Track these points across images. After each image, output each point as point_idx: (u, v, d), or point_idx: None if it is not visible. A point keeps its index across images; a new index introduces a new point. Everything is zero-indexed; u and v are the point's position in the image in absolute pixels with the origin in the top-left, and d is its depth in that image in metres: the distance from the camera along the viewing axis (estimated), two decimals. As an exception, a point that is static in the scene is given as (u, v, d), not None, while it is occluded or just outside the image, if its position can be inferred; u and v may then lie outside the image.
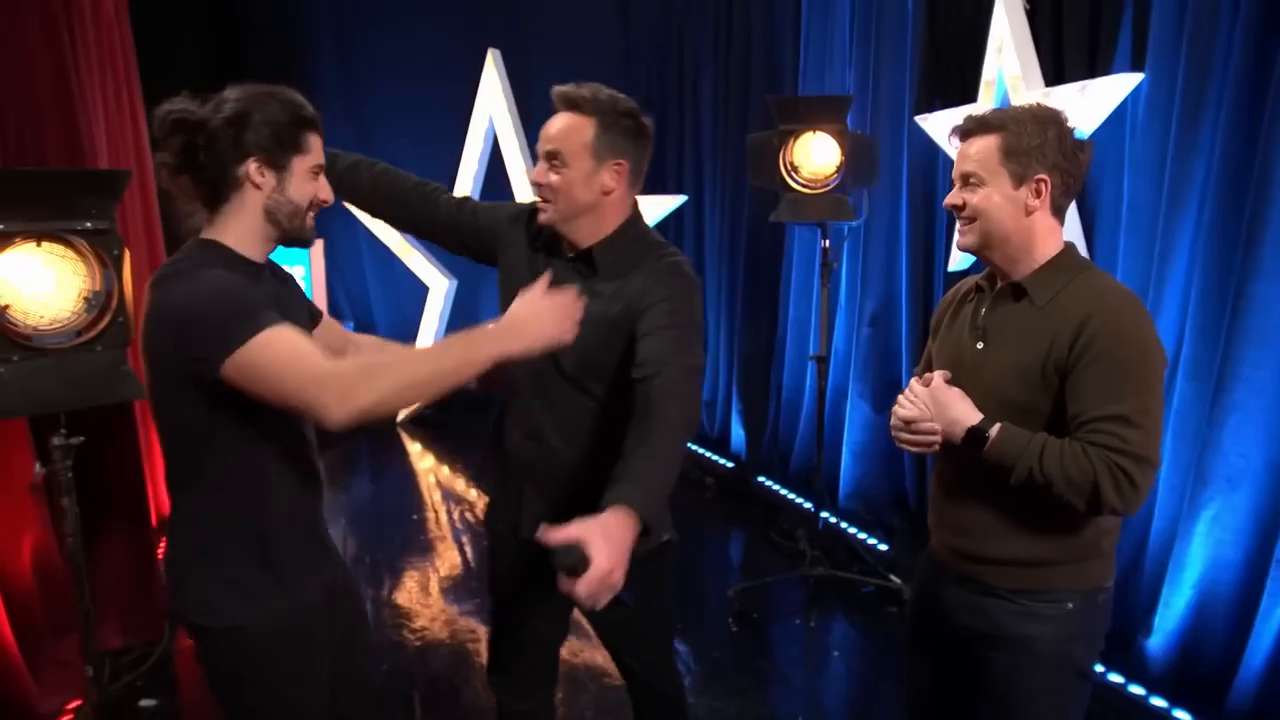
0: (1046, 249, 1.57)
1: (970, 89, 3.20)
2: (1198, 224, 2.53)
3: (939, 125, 3.32)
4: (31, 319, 2.04)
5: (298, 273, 5.89)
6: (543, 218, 1.72)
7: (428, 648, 3.30)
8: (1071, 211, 2.90)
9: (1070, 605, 1.56)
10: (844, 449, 4.08)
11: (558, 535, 1.29)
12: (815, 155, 3.43)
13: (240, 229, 1.49)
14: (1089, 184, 2.96)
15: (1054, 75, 3.00)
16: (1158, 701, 2.55)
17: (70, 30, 3.14)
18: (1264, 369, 2.33)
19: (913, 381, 1.65)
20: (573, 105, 1.71)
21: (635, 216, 1.78)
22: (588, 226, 1.72)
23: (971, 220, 1.58)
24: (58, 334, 2.07)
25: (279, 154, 1.46)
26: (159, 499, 3.89)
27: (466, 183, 5.83)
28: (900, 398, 1.63)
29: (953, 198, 1.61)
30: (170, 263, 1.48)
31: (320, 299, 5.97)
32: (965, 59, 3.31)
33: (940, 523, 1.71)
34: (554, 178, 1.68)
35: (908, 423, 1.60)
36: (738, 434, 5.04)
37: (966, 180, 1.58)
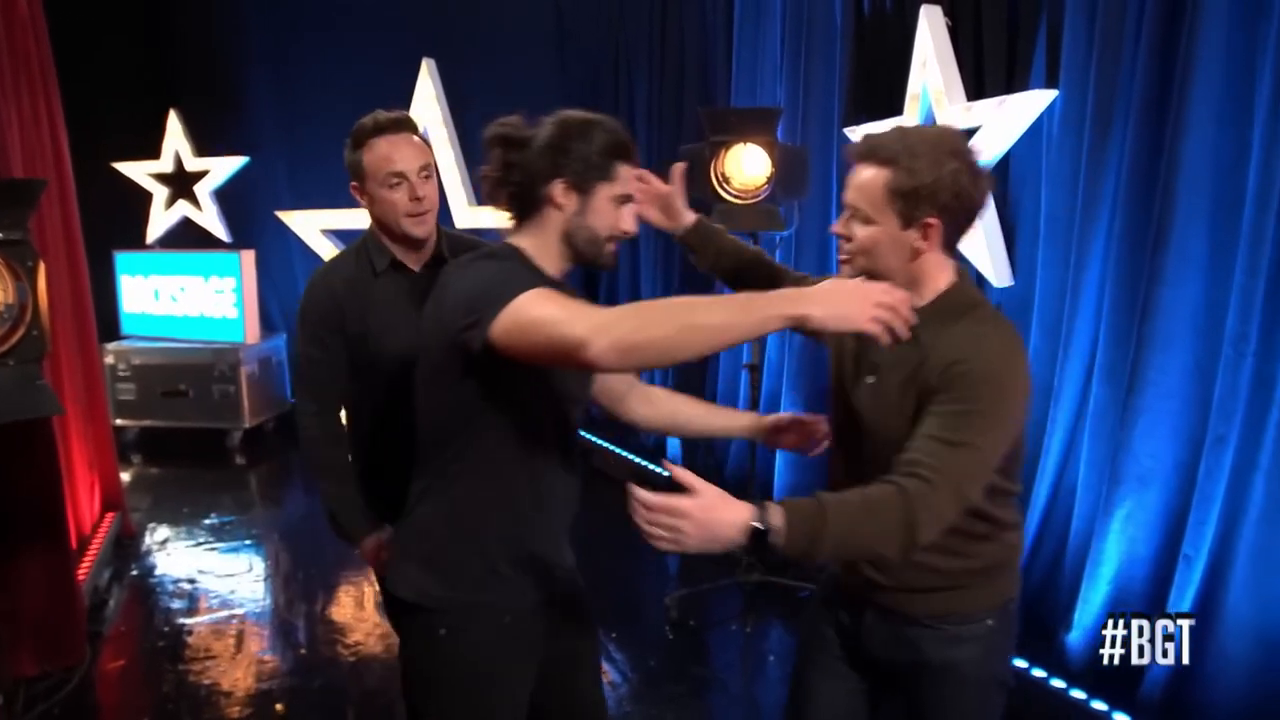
0: (936, 284, 1.50)
1: (897, 102, 3.29)
2: (1109, 234, 2.64)
3: (867, 138, 3.40)
4: (-60, 332, 1.97)
5: (228, 284, 5.77)
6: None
7: (362, 663, 3.25)
8: (993, 224, 3.00)
9: (990, 623, 1.56)
10: (777, 456, 4.13)
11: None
12: (746, 166, 3.48)
13: (538, 244, 1.55)
14: (1010, 197, 3.07)
15: (975, 90, 3.10)
16: (1077, 694, 2.64)
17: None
18: (1170, 373, 2.43)
19: (675, 502, 1.27)
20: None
21: None
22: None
23: (856, 253, 1.50)
24: (-32, 348, 2.00)
25: (584, 180, 1.50)
26: (79, 518, 3.77)
27: (401, 193, 5.76)
28: (664, 506, 1.26)
29: (839, 227, 1.52)
30: (471, 254, 1.58)
31: (252, 310, 5.84)
32: (892, 73, 3.39)
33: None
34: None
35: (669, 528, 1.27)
36: (673, 443, 5.06)
37: (853, 212, 1.49)
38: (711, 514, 1.28)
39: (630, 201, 1.57)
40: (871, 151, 1.46)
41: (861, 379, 1.57)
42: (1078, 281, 2.73)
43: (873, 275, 1.47)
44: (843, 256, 1.53)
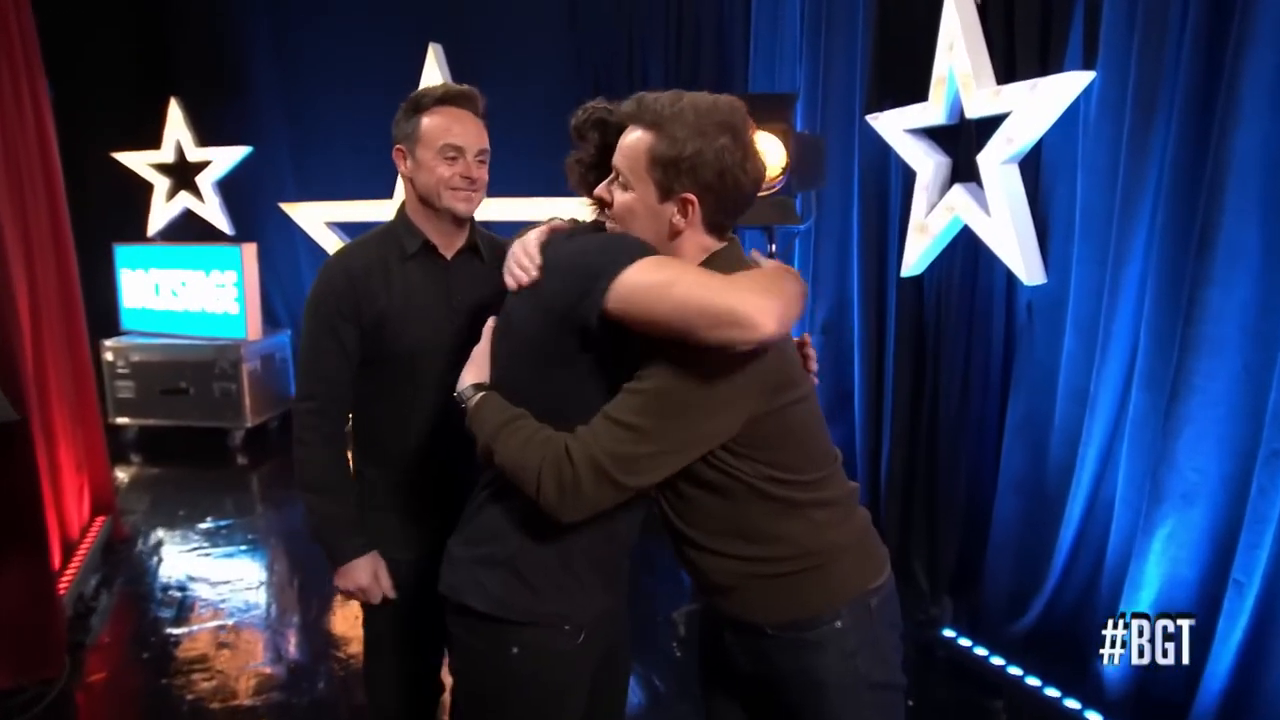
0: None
1: (921, 87, 3.15)
2: (1151, 229, 2.49)
3: (890, 125, 3.27)
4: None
5: (229, 278, 5.72)
6: None
7: (353, 677, 3.17)
8: (1024, 216, 2.86)
9: (839, 624, 1.48)
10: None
11: None
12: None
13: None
14: (1043, 188, 2.92)
15: (1005, 73, 2.96)
16: (1114, 727, 2.50)
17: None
18: (1217, 380, 2.28)
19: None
20: None
21: None
22: None
23: (616, 220, 1.48)
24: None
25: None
26: (66, 523, 3.72)
27: (407, 183, 5.69)
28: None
29: (600, 190, 1.49)
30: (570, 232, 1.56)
31: (255, 307, 5.78)
32: (917, 56, 3.25)
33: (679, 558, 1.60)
34: None
35: None
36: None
37: (616, 176, 1.46)
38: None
39: None
40: (639, 113, 1.42)
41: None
42: (1116, 280, 2.58)
43: None
44: (606, 224, 1.50)
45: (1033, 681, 2.80)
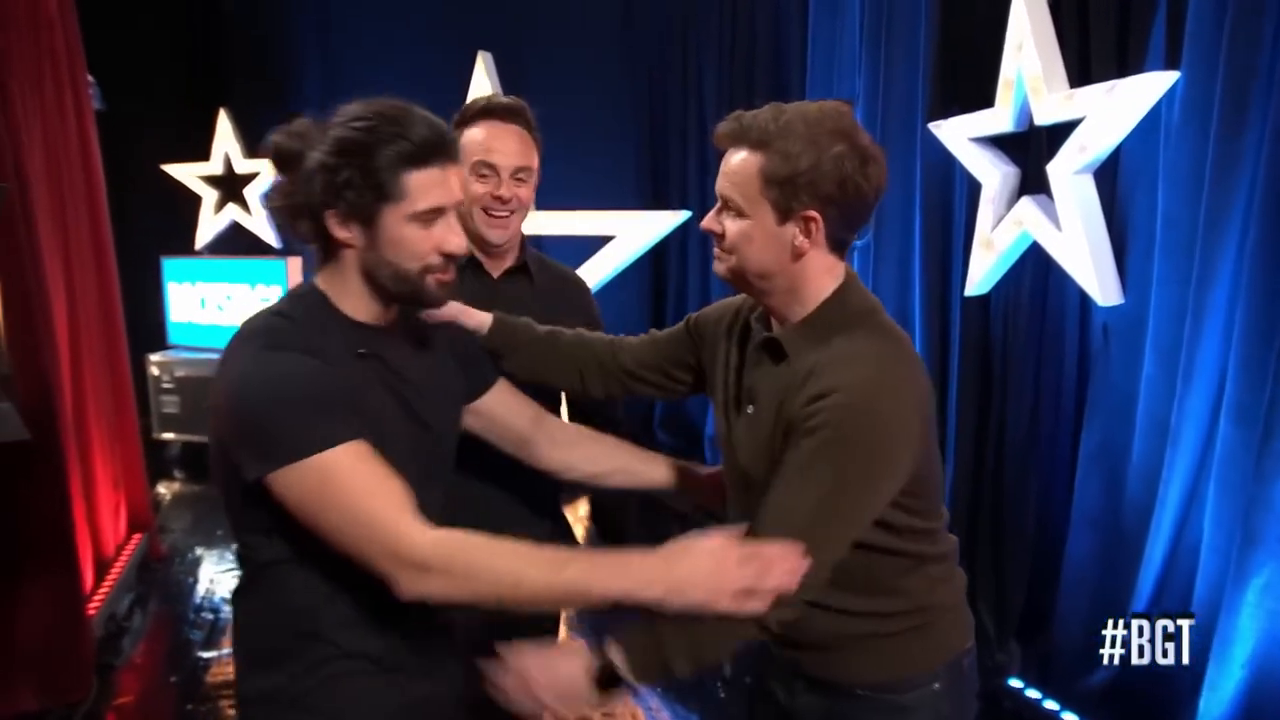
0: (820, 288, 1.36)
1: (988, 91, 3.00)
2: (1241, 245, 2.30)
3: (954, 132, 3.12)
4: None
5: (273, 292, 5.77)
6: None
7: None
8: (1099, 230, 2.69)
9: (936, 686, 1.40)
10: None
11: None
12: (813, 166, 3.23)
13: (338, 284, 1.34)
14: (1120, 200, 2.75)
15: (1079, 75, 2.79)
16: (1202, 799, 2.31)
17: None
18: (1320, 414, 2.09)
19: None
20: None
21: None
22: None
23: (730, 251, 1.36)
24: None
25: (361, 207, 1.27)
26: (100, 541, 3.74)
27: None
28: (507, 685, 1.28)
29: (709, 222, 1.38)
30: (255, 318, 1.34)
31: (298, 320, 5.82)
32: (983, 59, 3.11)
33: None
34: None
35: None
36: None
37: (725, 204, 1.35)
38: (550, 673, 1.27)
39: (443, 215, 1.29)
40: (742, 133, 1.33)
41: (742, 409, 1.43)
42: (1201, 300, 2.40)
43: (745, 277, 1.37)
44: (716, 251, 1.39)
45: (1108, 741, 2.62)
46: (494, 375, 1.60)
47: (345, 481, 1.18)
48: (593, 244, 4.88)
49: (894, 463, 1.29)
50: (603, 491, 1.83)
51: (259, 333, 1.29)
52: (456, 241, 1.31)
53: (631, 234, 4.83)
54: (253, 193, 6.04)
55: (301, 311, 1.31)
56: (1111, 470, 2.76)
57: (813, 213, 1.30)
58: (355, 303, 1.33)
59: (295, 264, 5.78)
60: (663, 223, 4.90)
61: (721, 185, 1.36)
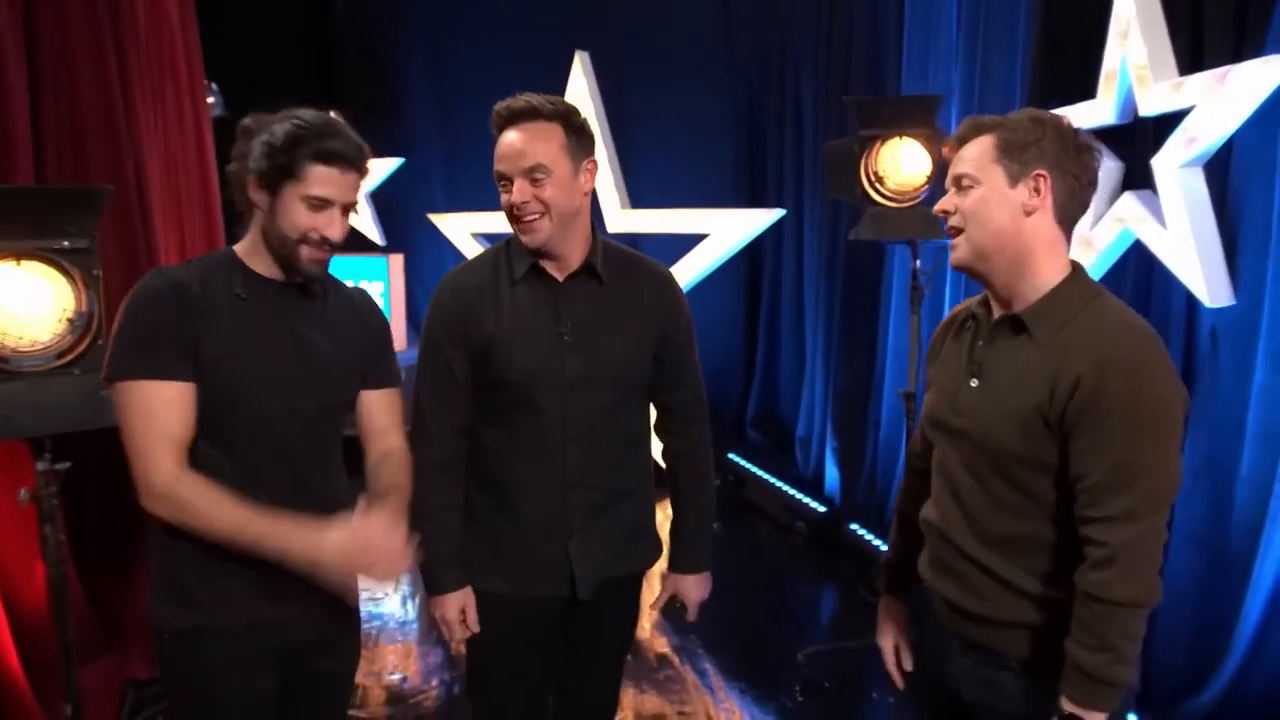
0: (1049, 272, 1.48)
1: (1089, 83, 2.88)
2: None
3: (1054, 126, 3.01)
4: (10, 340, 2.05)
5: (375, 289, 5.99)
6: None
7: (459, 700, 3.20)
8: (1208, 226, 2.55)
9: None
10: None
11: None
12: (903, 163, 3.18)
13: (250, 244, 1.67)
14: (1231, 195, 2.60)
15: (1189, 62, 2.65)
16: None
17: (118, 42, 3.23)
18: None
19: None
20: None
21: None
22: None
23: (961, 230, 1.51)
24: (36, 356, 2.07)
25: (271, 177, 1.59)
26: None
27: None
28: None
29: (943, 203, 1.55)
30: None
31: (399, 317, 6.02)
32: (1085, 48, 2.98)
33: (933, 568, 1.58)
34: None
35: None
36: (832, 475, 4.77)
37: (959, 183, 1.52)
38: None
39: (330, 206, 1.60)
40: (976, 126, 1.53)
41: (965, 383, 1.55)
42: (1320, 304, 2.25)
43: (981, 253, 1.49)
44: (949, 231, 1.54)
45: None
46: (391, 381, 1.86)
47: (128, 408, 1.56)
48: (689, 242, 4.90)
49: (1176, 427, 1.43)
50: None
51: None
52: (333, 231, 1.62)
53: (725, 232, 4.83)
54: (360, 191, 6.28)
55: (209, 260, 1.69)
56: (1218, 484, 2.61)
57: (1043, 171, 1.46)
58: (258, 259, 1.66)
59: (397, 261, 6.00)
60: (757, 220, 4.87)
61: (956, 170, 1.52)
